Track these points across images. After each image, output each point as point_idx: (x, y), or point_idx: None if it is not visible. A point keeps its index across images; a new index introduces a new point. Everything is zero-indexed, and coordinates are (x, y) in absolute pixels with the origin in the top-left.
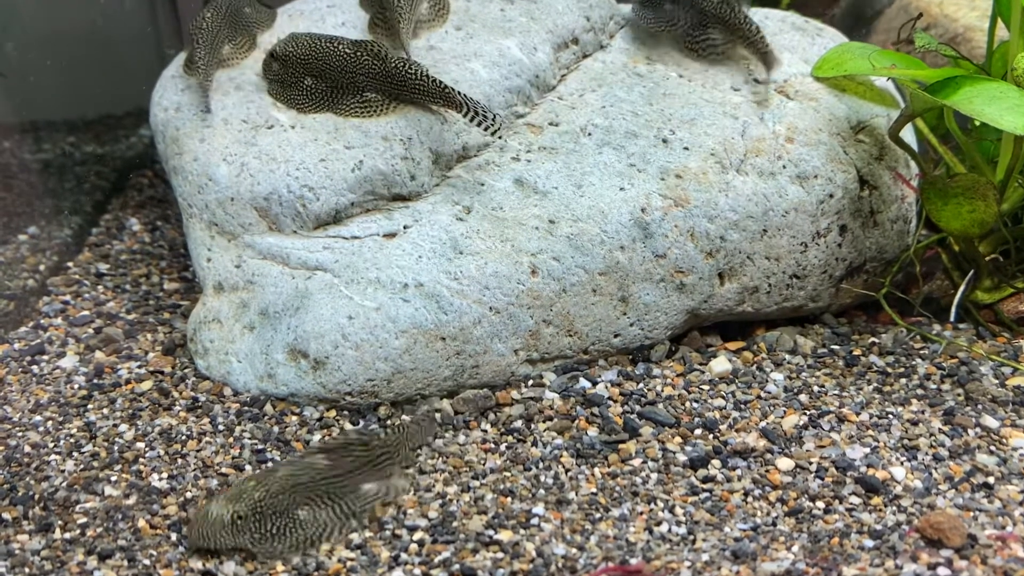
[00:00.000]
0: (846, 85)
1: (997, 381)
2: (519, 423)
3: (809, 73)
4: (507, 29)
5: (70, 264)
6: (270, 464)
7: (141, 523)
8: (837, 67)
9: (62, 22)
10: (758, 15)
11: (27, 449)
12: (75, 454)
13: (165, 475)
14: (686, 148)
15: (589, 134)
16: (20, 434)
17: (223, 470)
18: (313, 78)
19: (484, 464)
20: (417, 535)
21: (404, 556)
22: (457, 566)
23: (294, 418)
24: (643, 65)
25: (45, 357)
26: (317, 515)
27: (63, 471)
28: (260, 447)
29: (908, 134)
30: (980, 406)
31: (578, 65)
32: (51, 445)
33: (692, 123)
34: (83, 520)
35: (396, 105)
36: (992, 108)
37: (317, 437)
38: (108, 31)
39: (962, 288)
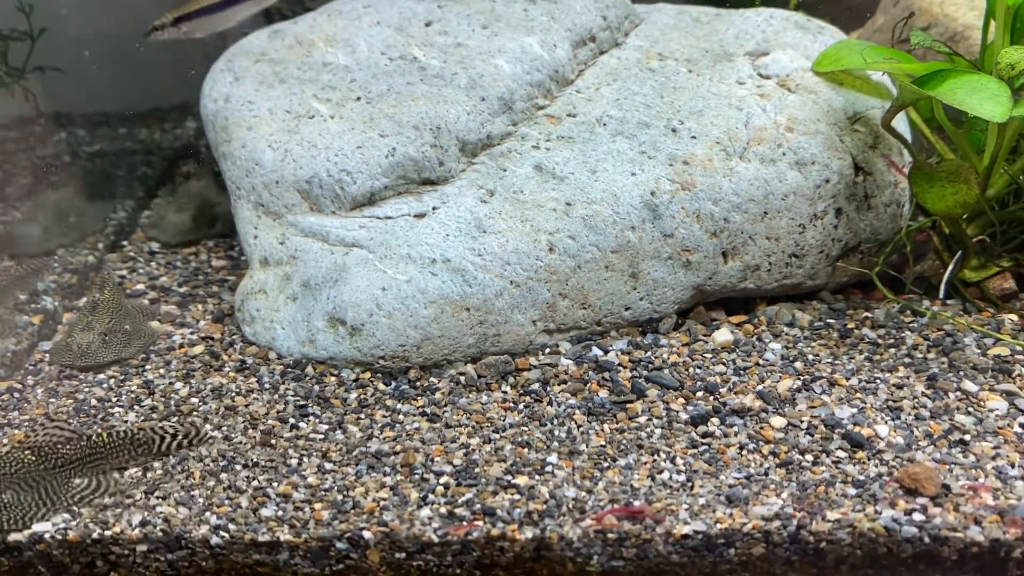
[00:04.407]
0: (844, 79)
1: (979, 351)
2: (536, 386)
3: (810, 68)
4: (529, 27)
5: (125, 243)
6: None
7: (195, 468)
8: (835, 62)
9: (112, 23)
10: (764, 14)
11: (93, 403)
12: (136, 407)
13: (217, 425)
14: (693, 137)
15: (604, 124)
16: (87, 389)
17: (269, 422)
18: None
19: (504, 420)
20: (443, 479)
21: (432, 496)
22: (479, 505)
23: (332, 379)
24: (655, 61)
25: None
26: (21, 498)
27: (126, 421)
28: (302, 403)
29: (903, 125)
30: (962, 372)
31: (595, 61)
32: (114, 399)
33: (699, 114)
34: None
35: None
36: (973, 98)
37: (354, 395)
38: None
39: (951, 267)
